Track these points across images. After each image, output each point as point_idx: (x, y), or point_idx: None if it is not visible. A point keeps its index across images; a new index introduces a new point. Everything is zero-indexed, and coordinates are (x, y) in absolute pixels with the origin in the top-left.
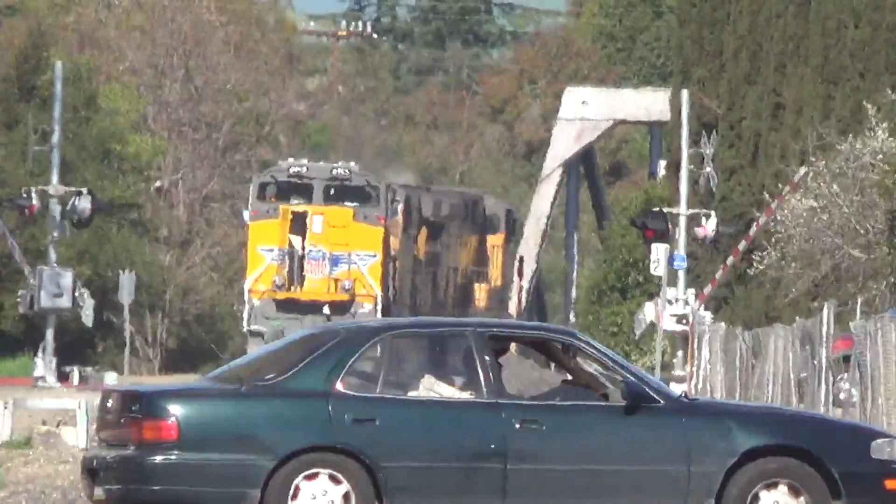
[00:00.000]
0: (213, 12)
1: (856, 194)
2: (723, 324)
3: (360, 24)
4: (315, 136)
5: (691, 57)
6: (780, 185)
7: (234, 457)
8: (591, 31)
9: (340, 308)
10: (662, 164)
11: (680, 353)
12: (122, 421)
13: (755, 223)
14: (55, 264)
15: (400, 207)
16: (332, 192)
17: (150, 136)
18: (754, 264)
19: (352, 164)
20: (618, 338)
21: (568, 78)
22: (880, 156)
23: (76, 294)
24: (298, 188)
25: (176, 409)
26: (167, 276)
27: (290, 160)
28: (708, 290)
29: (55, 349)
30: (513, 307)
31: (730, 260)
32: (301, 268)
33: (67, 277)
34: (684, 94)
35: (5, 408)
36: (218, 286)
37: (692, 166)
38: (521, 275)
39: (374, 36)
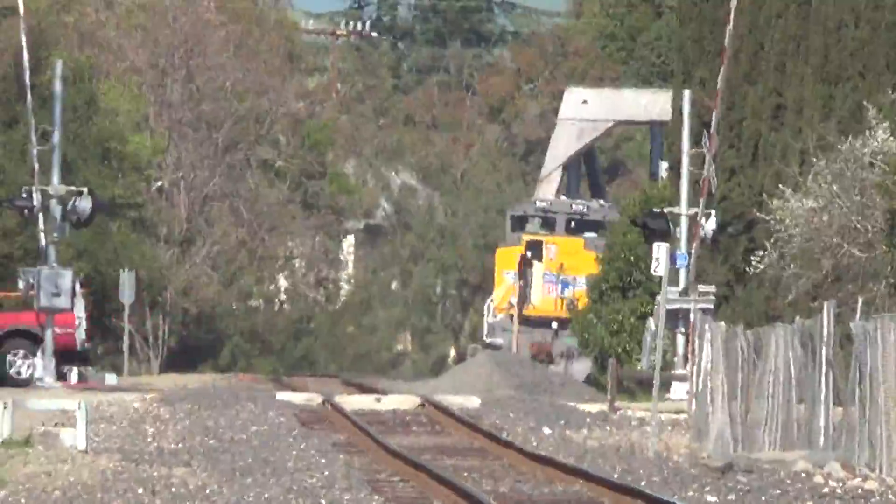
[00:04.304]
0: (213, 12)
1: (856, 194)
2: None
3: (360, 23)
4: (315, 136)
5: (692, 57)
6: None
7: None
8: (591, 31)
9: (566, 324)
10: (664, 165)
11: (680, 352)
12: None
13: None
14: (55, 264)
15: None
16: (573, 224)
17: (149, 135)
18: (754, 264)
19: (600, 201)
20: (619, 336)
21: (566, 77)
22: (880, 156)
23: (76, 312)
24: (544, 221)
25: None
26: (167, 276)
27: (547, 197)
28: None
29: (54, 350)
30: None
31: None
32: (533, 289)
33: (67, 278)
34: (686, 94)
35: (5, 408)
36: (218, 286)
37: (692, 168)
38: (521, 276)
39: (374, 35)
